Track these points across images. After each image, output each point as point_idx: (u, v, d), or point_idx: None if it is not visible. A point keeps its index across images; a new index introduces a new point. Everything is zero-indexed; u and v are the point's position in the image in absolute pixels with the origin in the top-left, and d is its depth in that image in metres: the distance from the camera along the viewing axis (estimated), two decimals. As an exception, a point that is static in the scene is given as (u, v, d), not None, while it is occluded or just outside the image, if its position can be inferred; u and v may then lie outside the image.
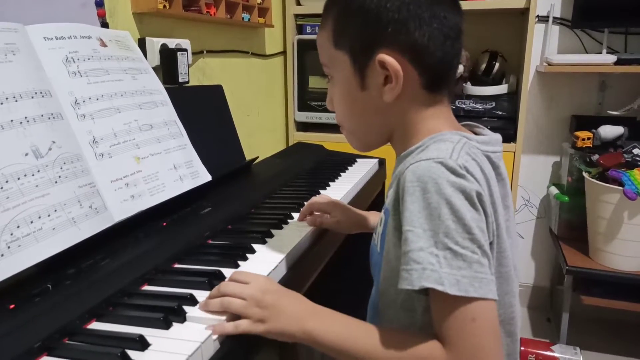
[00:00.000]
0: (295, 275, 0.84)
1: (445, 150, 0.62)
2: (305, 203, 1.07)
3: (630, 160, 1.80)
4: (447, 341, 0.57)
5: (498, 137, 0.73)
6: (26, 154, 0.74)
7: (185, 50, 1.31)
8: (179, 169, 1.02)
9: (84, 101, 0.88)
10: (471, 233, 0.58)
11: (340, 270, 1.31)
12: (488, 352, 0.57)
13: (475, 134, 0.75)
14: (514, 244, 0.73)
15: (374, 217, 0.99)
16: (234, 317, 0.66)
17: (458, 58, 0.69)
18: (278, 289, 0.69)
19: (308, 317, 0.65)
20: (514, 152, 1.93)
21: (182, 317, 0.64)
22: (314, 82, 2.11)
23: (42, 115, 0.79)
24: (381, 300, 0.73)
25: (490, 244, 0.62)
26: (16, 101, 0.76)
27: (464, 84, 2.06)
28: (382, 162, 1.60)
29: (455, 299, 0.56)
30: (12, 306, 0.65)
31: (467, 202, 0.58)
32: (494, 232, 0.63)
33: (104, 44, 0.98)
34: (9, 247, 0.68)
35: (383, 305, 0.73)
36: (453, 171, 0.59)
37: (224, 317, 0.65)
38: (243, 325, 0.64)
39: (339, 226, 0.99)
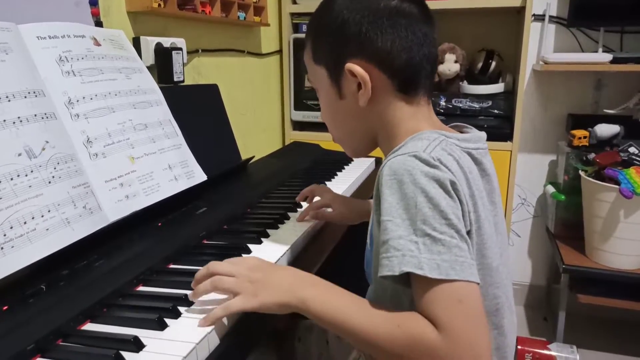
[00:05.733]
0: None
1: (420, 146, 0.65)
2: (304, 205, 1.07)
3: (626, 158, 1.80)
4: (437, 324, 0.57)
5: (482, 134, 0.76)
6: (19, 154, 0.74)
7: (180, 49, 1.31)
8: (174, 169, 1.02)
9: (77, 101, 0.88)
10: (448, 218, 0.59)
11: (337, 268, 1.31)
12: (478, 331, 0.57)
13: (462, 133, 0.76)
14: (503, 240, 0.74)
15: None
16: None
17: (429, 61, 0.73)
18: (268, 265, 0.69)
19: (303, 285, 0.65)
20: (511, 151, 1.93)
21: (177, 318, 0.64)
22: (310, 81, 2.11)
23: (35, 115, 0.78)
24: (373, 296, 0.74)
25: (469, 232, 0.64)
26: (9, 101, 0.75)
27: (460, 83, 2.06)
28: (378, 162, 1.60)
29: (438, 283, 0.57)
30: (5, 307, 0.64)
31: (441, 190, 0.60)
32: (472, 222, 0.64)
33: (97, 43, 0.97)
34: (2, 248, 0.67)
35: (374, 301, 0.73)
36: (426, 162, 0.62)
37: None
38: (235, 304, 0.64)
39: (343, 217, 1.01)
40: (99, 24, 1.12)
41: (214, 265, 0.68)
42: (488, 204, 0.70)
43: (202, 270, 0.68)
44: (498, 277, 0.69)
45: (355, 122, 0.76)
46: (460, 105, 2.00)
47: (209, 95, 1.33)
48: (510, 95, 2.01)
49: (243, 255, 0.83)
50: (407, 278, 0.59)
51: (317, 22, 0.77)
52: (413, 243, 0.58)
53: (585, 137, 1.94)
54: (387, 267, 0.59)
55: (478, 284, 0.59)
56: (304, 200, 1.08)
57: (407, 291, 0.63)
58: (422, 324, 0.58)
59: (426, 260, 0.57)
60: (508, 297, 0.73)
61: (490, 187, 0.72)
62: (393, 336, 0.58)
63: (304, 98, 2.12)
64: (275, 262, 0.81)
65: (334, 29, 0.72)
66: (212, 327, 0.62)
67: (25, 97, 0.78)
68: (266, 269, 0.68)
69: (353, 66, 0.70)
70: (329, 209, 1.01)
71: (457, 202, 0.61)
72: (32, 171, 0.74)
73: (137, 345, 0.58)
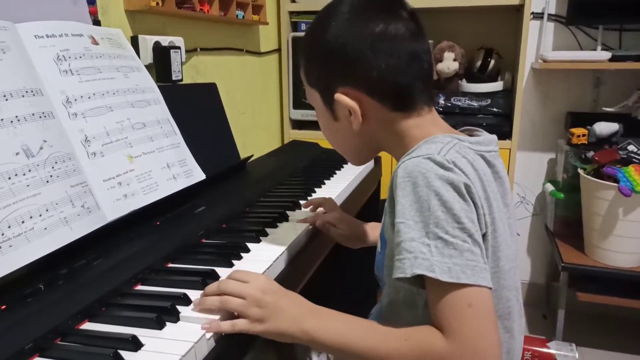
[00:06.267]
0: (291, 274, 0.84)
1: (435, 149, 0.64)
2: (302, 202, 1.07)
3: (625, 156, 1.80)
4: (446, 328, 0.57)
5: (493, 137, 0.75)
6: (17, 154, 0.74)
7: (179, 48, 1.31)
8: (173, 168, 1.02)
9: (75, 100, 0.88)
10: (460, 222, 0.59)
11: (336, 267, 1.31)
12: (487, 336, 0.57)
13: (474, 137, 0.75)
14: (515, 243, 0.74)
15: (378, 230, 1.00)
16: (228, 315, 0.65)
17: (421, 77, 0.71)
18: (278, 288, 0.69)
19: (307, 316, 0.65)
20: (510, 149, 1.93)
21: (175, 317, 0.64)
22: (309, 80, 2.10)
23: (33, 114, 0.78)
24: (386, 299, 0.74)
25: (484, 235, 0.63)
26: (6, 100, 0.75)
27: (459, 81, 2.06)
28: (377, 160, 1.60)
29: (449, 286, 0.57)
30: (3, 307, 0.64)
31: (455, 193, 0.60)
32: (487, 224, 0.64)
33: (95, 42, 0.97)
34: (0, 248, 0.67)
35: (387, 304, 0.74)
36: (441, 165, 0.61)
37: (217, 317, 0.64)
38: (240, 325, 0.64)
39: (345, 240, 1.00)
40: (96, 22, 1.12)
41: (226, 284, 0.67)
42: (502, 206, 0.70)
43: (213, 285, 0.68)
44: (510, 280, 0.69)
45: (354, 139, 0.76)
46: (459, 103, 2.00)
47: (208, 94, 1.33)
48: (509, 93, 2.01)
49: (242, 254, 0.83)
50: (421, 280, 0.59)
51: (307, 46, 0.77)
52: (425, 245, 0.59)
53: (584, 135, 1.94)
54: (399, 270, 0.60)
55: (490, 288, 0.59)
56: (308, 207, 1.06)
57: (422, 292, 0.63)
58: (429, 334, 0.58)
59: (437, 263, 0.57)
60: (518, 300, 0.73)
61: (503, 189, 0.72)
62: (402, 351, 0.59)
63: (303, 97, 2.10)
64: (274, 261, 0.80)
65: (322, 56, 0.73)
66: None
67: (23, 96, 0.78)
68: (274, 293, 0.67)
69: (340, 96, 0.71)
70: (332, 226, 1.00)
71: (472, 205, 0.61)
72: (30, 170, 0.74)
73: (135, 344, 0.58)
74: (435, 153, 0.63)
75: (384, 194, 1.69)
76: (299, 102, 2.12)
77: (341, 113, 0.74)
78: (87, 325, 0.64)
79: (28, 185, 0.73)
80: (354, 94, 0.71)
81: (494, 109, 1.98)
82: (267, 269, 0.78)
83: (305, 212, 1.05)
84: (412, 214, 0.60)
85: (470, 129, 0.78)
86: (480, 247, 0.60)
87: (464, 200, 0.60)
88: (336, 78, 0.71)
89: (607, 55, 1.89)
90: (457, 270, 0.57)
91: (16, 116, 0.76)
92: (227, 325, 0.63)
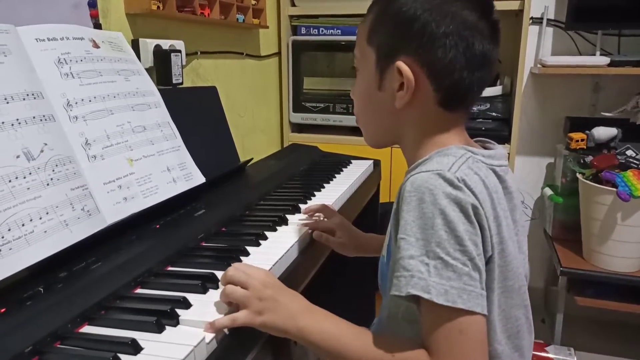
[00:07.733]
0: (290, 278, 0.84)
1: (446, 163, 0.63)
2: (302, 207, 1.07)
3: (623, 161, 1.81)
4: (434, 351, 0.57)
5: (503, 151, 0.74)
6: (17, 156, 0.74)
7: (179, 51, 1.31)
8: (173, 171, 1.02)
9: (76, 103, 0.88)
10: (463, 245, 0.58)
11: (335, 272, 1.31)
12: None
13: (487, 149, 0.75)
14: (525, 260, 0.73)
15: (376, 241, 1.00)
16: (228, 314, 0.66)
17: (480, 85, 0.70)
18: (278, 284, 0.70)
19: (303, 314, 0.66)
20: (508, 154, 1.94)
21: (175, 321, 0.64)
22: (309, 83, 2.11)
23: (33, 117, 0.78)
24: (387, 311, 0.74)
25: (491, 257, 0.62)
26: (7, 103, 0.75)
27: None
28: (377, 164, 1.60)
29: (443, 309, 0.57)
30: (3, 310, 0.64)
31: (461, 214, 0.59)
32: (494, 245, 0.63)
33: (96, 45, 0.97)
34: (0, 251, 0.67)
35: (387, 317, 0.73)
36: (450, 183, 0.60)
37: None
38: (241, 318, 0.65)
39: (343, 248, 1.00)
40: (97, 26, 1.12)
41: (232, 272, 0.68)
42: (511, 223, 0.68)
43: (222, 276, 0.70)
44: (519, 299, 0.68)
45: (385, 118, 0.73)
46: (459, 107, 2.00)
47: (208, 97, 1.33)
48: (508, 97, 2.01)
49: (241, 257, 0.83)
50: (417, 298, 0.58)
51: (386, 4, 0.71)
52: (424, 265, 0.58)
53: (582, 140, 1.95)
54: (395, 287, 0.59)
55: (485, 315, 0.58)
56: (308, 213, 1.05)
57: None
58: (416, 354, 0.58)
59: (434, 284, 0.57)
60: (528, 317, 0.72)
61: (512, 205, 0.70)
62: None
63: (302, 100, 2.12)
64: (274, 265, 0.81)
65: (400, 20, 0.67)
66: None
67: (24, 99, 0.78)
68: (274, 287, 0.68)
69: (403, 66, 0.67)
70: (329, 235, 1.00)
71: (477, 228, 0.60)
72: (30, 173, 0.74)
73: (134, 348, 0.58)
74: (446, 169, 0.61)
75: (383, 198, 1.70)
76: (299, 105, 2.13)
77: (389, 84, 0.69)
78: (87, 329, 0.63)
79: (28, 188, 0.73)
80: (416, 69, 0.67)
81: (493, 114, 1.98)
82: (267, 272, 0.78)
83: (305, 215, 1.05)
84: (414, 231, 0.59)
85: (482, 140, 0.76)
86: (479, 272, 0.59)
87: (469, 222, 0.59)
88: (405, 46, 0.67)
89: (606, 60, 1.90)
90: (454, 294, 0.56)
91: (17, 119, 0.76)
92: (226, 320, 0.64)
